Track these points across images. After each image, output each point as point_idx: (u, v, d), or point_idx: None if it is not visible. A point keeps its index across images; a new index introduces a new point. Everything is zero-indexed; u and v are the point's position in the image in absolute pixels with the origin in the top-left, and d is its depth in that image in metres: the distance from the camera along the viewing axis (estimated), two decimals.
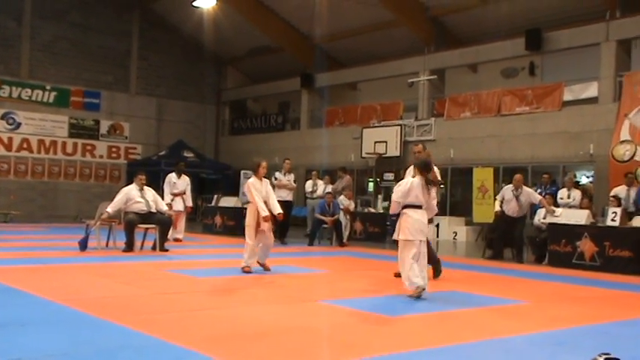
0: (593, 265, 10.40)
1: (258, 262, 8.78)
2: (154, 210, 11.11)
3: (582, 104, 15.83)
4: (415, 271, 6.78)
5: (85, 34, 23.48)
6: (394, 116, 19.82)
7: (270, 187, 9.02)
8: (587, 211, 11.21)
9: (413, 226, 6.87)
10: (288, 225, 14.02)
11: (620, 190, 12.20)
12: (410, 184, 7.00)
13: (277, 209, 8.85)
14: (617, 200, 11.44)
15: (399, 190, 7.06)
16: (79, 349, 4.19)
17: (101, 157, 24.02)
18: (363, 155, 19.61)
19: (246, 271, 8.52)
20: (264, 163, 8.96)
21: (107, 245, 11.29)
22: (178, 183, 13.75)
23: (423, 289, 6.74)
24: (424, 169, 7.10)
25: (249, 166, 23.28)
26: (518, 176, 11.88)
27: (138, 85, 24.95)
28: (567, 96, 16.11)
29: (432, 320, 5.86)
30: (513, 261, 11.68)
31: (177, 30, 25.10)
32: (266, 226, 8.66)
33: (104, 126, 24.09)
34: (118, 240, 11.14)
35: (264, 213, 8.56)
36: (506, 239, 12.00)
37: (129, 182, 13.24)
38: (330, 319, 5.69)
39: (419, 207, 6.97)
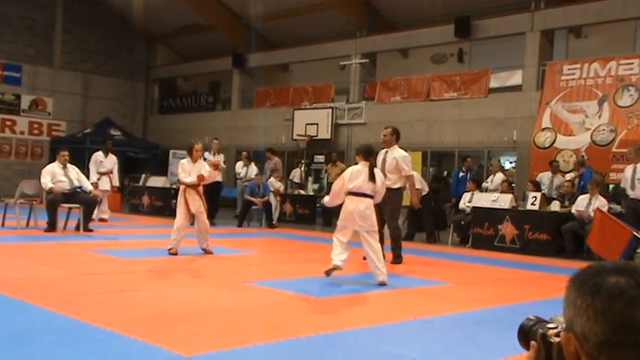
0: (513, 248, 10.80)
1: (201, 247, 8.67)
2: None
3: (507, 91, 16.29)
4: (335, 251, 6.78)
5: (3, 4, 22.34)
6: (326, 99, 19.86)
7: (204, 171, 8.72)
8: (510, 195, 11.60)
9: (345, 216, 6.77)
10: (217, 206, 13.92)
11: (544, 176, 12.67)
12: (350, 172, 6.85)
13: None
14: (535, 185, 11.87)
15: (336, 183, 6.95)
16: None
17: (22, 133, 23.00)
18: (294, 137, 19.60)
19: (172, 253, 8.41)
20: (197, 146, 8.73)
21: (28, 225, 10.90)
22: (105, 162, 13.40)
23: (334, 268, 6.71)
24: (367, 154, 6.94)
25: (178, 145, 22.75)
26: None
27: (62, 59, 23.96)
28: (493, 83, 16.54)
29: (358, 301, 5.95)
30: (425, 242, 11.99)
31: (104, 3, 24.23)
32: (195, 205, 8.55)
33: (25, 101, 23.03)
34: (39, 219, 10.77)
35: (187, 180, 8.52)
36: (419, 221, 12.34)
37: (52, 160, 12.79)
38: (258, 301, 5.70)
39: (360, 195, 6.76)
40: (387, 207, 8.26)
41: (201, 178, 8.57)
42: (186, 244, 8.67)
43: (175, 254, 8.39)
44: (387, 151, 8.59)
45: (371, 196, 6.81)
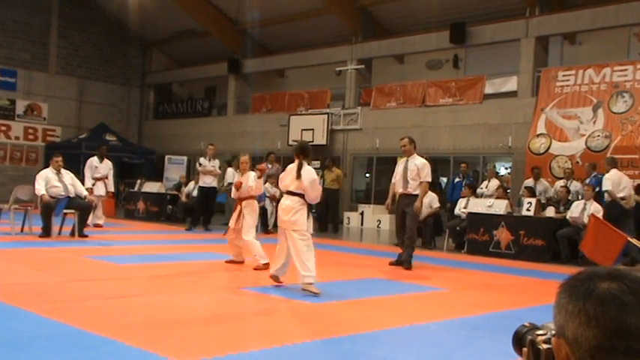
0: (509, 253, 10.80)
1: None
2: (72, 194, 10.73)
3: (502, 97, 16.34)
4: (274, 262, 6.79)
5: None
6: (321, 104, 19.89)
7: (251, 181, 8.20)
8: (506, 201, 11.60)
9: (279, 214, 6.69)
10: (212, 211, 13.94)
11: (529, 183, 12.68)
12: (285, 170, 6.83)
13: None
14: (530, 191, 11.88)
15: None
16: None
17: (17, 138, 22.95)
18: (290, 142, 19.59)
19: (227, 262, 8.35)
20: (243, 158, 8.54)
21: (22, 230, 10.85)
22: (100, 167, 13.37)
23: (274, 277, 6.74)
24: (298, 151, 6.69)
25: (173, 151, 22.68)
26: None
27: (57, 64, 23.92)
28: (488, 89, 16.59)
29: (354, 307, 5.94)
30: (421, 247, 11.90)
31: (99, 8, 24.24)
32: (233, 220, 8.25)
33: (20, 106, 23.00)
34: (34, 225, 10.73)
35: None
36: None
37: (47, 165, 12.76)
38: (253, 306, 5.69)
39: (291, 193, 6.57)
40: (409, 212, 8.70)
41: (237, 184, 8.27)
42: (184, 250, 8.64)
43: (232, 262, 8.28)
44: (407, 159, 8.90)
45: (300, 195, 6.55)
